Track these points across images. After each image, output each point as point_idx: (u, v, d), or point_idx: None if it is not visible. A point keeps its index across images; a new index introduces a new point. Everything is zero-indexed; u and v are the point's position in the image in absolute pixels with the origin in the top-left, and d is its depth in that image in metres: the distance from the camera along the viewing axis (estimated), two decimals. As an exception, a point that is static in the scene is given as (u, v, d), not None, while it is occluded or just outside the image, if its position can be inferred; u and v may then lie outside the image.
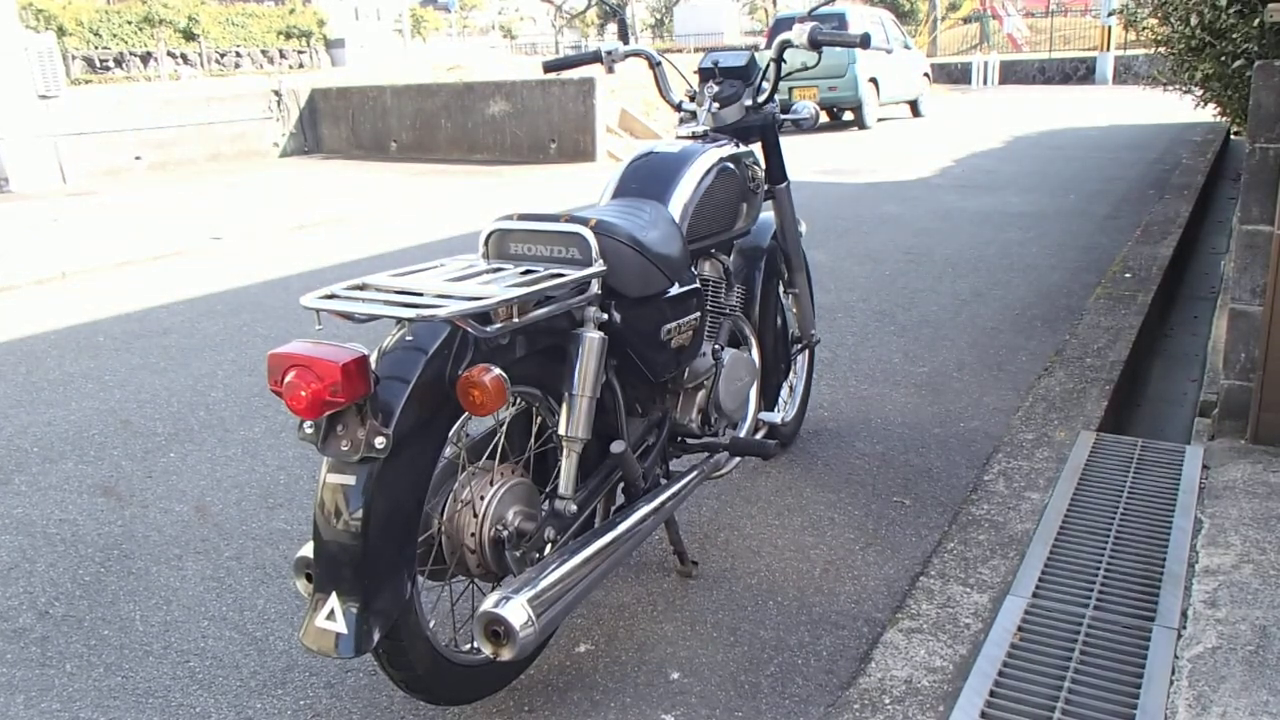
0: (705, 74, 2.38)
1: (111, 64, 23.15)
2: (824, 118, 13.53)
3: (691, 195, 2.03)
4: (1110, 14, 17.43)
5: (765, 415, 2.50)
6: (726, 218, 2.19)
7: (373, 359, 1.45)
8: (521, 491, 1.72)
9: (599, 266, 1.68)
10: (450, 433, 1.57)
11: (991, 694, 1.69)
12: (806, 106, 2.55)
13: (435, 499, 1.64)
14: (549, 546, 1.74)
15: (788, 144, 2.64)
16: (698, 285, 2.06)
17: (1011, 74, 22.77)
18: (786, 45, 2.35)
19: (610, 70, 2.48)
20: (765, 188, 2.45)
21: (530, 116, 10.99)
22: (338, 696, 1.84)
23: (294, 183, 9.76)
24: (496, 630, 1.49)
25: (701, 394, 2.18)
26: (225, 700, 1.85)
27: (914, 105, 14.99)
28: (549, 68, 2.54)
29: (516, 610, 1.49)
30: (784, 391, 2.70)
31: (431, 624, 1.62)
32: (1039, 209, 6.61)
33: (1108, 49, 21.33)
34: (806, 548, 2.33)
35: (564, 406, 1.72)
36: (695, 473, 2.07)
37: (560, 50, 35.68)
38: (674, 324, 1.96)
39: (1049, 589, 2.01)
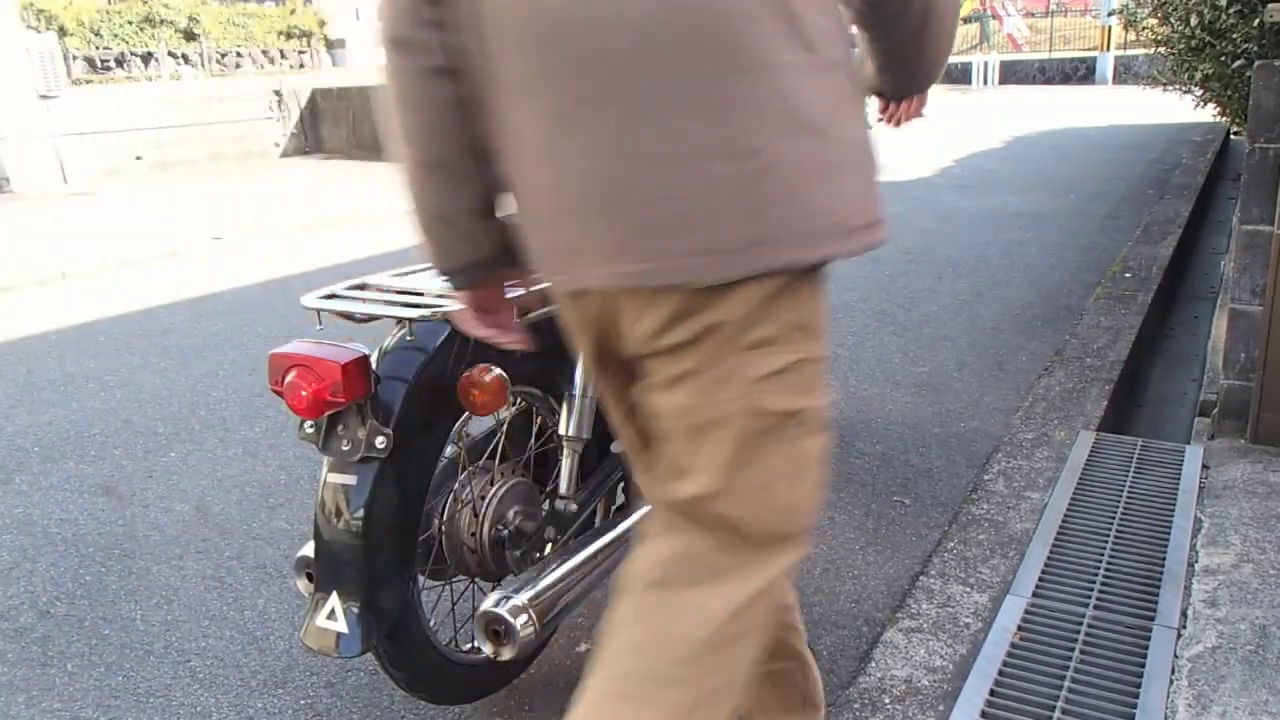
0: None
1: (112, 64, 23.14)
2: (824, 118, 13.48)
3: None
4: (1110, 14, 17.43)
5: (765, 415, 2.50)
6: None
7: (373, 359, 1.45)
8: (522, 491, 1.72)
9: (599, 266, 1.69)
10: (451, 433, 1.58)
11: (991, 693, 1.70)
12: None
13: (435, 499, 1.64)
14: (549, 546, 1.74)
15: (788, 144, 2.63)
16: (698, 285, 2.06)
17: (1011, 74, 22.76)
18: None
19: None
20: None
21: (530, 116, 10.98)
22: (338, 696, 1.84)
23: (295, 183, 9.76)
24: (497, 630, 1.50)
25: (702, 394, 2.18)
26: (226, 700, 1.85)
27: (914, 105, 14.94)
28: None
29: (516, 610, 1.50)
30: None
31: (431, 624, 1.62)
32: (1039, 209, 6.61)
33: (1108, 49, 21.31)
34: (806, 547, 2.33)
35: (564, 406, 1.72)
36: (695, 472, 2.07)
37: (560, 50, 35.56)
38: (674, 324, 1.96)
39: (1049, 588, 2.01)
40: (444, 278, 1.15)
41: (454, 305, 1.42)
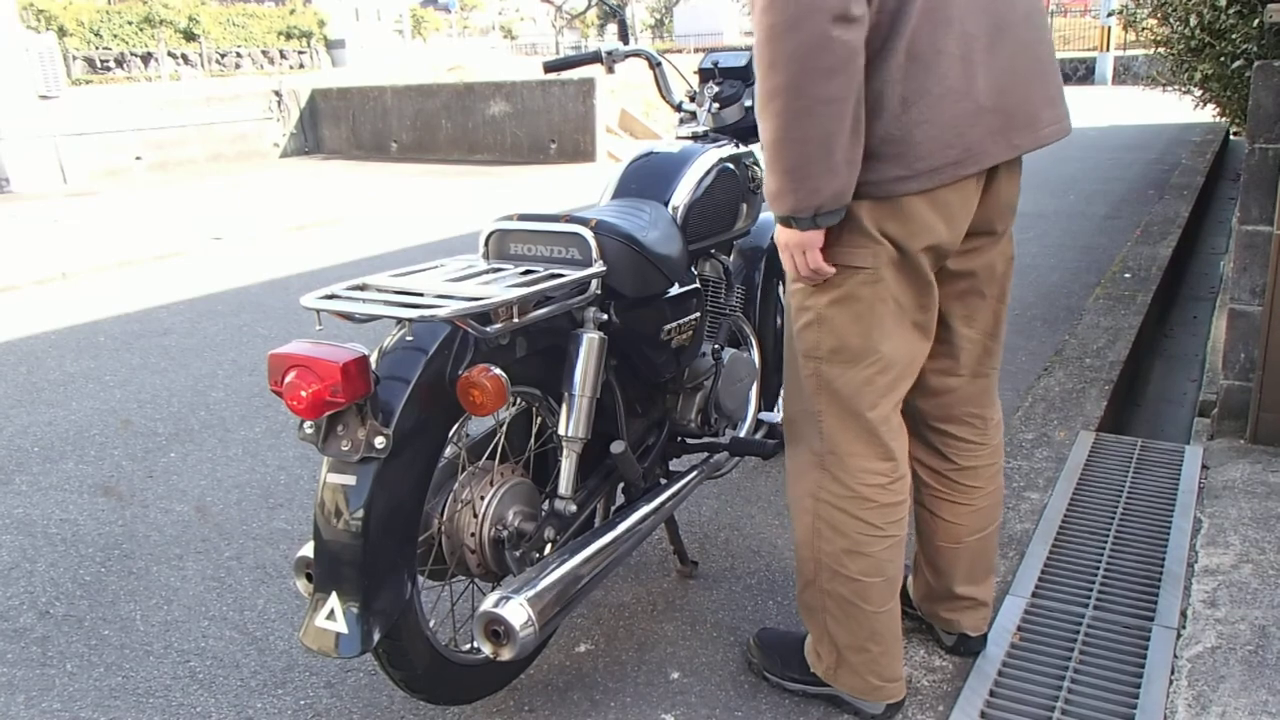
0: (705, 74, 2.38)
1: (112, 64, 23.13)
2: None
3: (691, 195, 2.03)
4: (1110, 14, 17.42)
5: (765, 415, 2.50)
6: (726, 218, 2.19)
7: (373, 359, 1.45)
8: (521, 491, 1.72)
9: (599, 267, 1.69)
10: (450, 433, 1.58)
11: (991, 694, 1.70)
12: (806, 107, 2.54)
13: (435, 499, 1.64)
14: (549, 546, 1.74)
15: (787, 144, 2.63)
16: (697, 285, 2.06)
17: (1011, 74, 22.72)
18: (786, 46, 2.34)
19: (610, 70, 2.48)
20: (765, 188, 2.45)
21: (530, 117, 11.00)
22: (338, 696, 1.84)
23: (294, 183, 9.77)
24: (496, 630, 1.50)
25: (701, 394, 2.18)
26: (226, 700, 1.85)
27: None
28: (549, 68, 2.54)
29: (516, 610, 1.49)
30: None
31: (431, 624, 1.62)
32: (1039, 209, 6.61)
33: (1107, 49, 21.32)
34: (806, 548, 2.33)
35: (564, 406, 1.72)
36: (695, 473, 2.07)
37: (560, 50, 35.60)
38: (674, 324, 1.96)
39: (1049, 589, 2.01)
40: (814, 217, 1.33)
41: (454, 305, 1.42)
